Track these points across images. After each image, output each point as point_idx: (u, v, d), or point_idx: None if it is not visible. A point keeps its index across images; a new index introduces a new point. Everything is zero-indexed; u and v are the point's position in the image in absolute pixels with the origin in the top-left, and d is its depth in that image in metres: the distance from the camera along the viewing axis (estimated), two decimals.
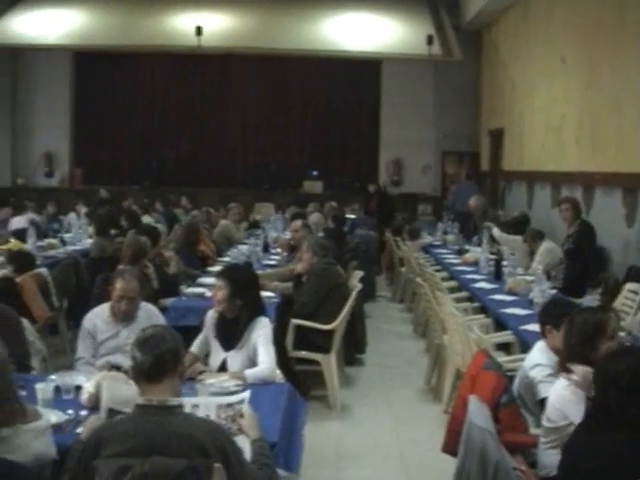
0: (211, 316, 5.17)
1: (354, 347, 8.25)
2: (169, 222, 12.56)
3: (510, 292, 7.58)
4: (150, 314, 5.37)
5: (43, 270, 7.80)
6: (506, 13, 15.53)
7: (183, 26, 16.79)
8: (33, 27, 17.37)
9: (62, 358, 7.44)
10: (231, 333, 4.98)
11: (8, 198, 15.02)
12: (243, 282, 5.04)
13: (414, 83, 18.56)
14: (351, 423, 6.69)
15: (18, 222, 11.25)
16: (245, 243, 10.44)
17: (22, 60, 19.34)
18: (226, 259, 9.34)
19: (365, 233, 12.77)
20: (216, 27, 16.72)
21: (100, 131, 19.58)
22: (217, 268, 8.67)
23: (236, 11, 17.39)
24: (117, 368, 4.80)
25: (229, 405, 3.66)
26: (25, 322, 5.33)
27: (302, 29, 17.04)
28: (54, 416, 3.70)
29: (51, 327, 7.98)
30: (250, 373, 4.68)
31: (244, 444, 3.45)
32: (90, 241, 10.70)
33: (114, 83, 19.49)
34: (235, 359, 4.93)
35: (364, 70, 19.09)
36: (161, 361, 3.26)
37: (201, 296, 7.18)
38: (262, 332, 4.94)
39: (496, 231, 10.14)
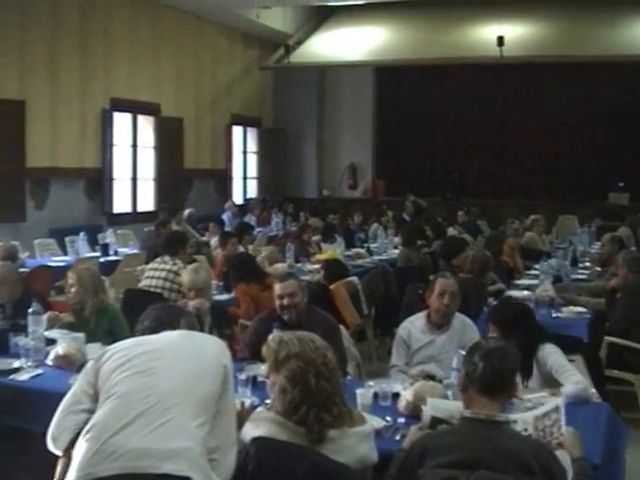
0: None
1: None
2: (472, 233, 12.52)
3: None
4: (464, 324, 5.37)
5: (354, 278, 8.00)
6: None
7: (484, 37, 16.70)
8: (338, 45, 18.10)
9: (368, 365, 7.60)
10: (524, 364, 4.80)
11: (316, 209, 15.68)
12: (511, 320, 4.81)
13: None
14: None
15: (329, 247, 11.55)
16: (552, 256, 10.16)
17: (328, 77, 20.18)
18: (534, 272, 9.12)
19: None
20: (517, 37, 16.46)
21: (401, 143, 19.97)
22: (524, 281, 8.53)
23: (538, 20, 17.06)
24: (431, 377, 4.80)
25: (545, 414, 3.52)
26: (341, 328, 5.50)
27: (604, 35, 16.38)
28: (374, 422, 3.76)
29: (359, 334, 8.17)
30: (566, 390, 4.51)
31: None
32: (396, 251, 10.91)
33: (414, 96, 19.80)
34: (534, 384, 4.77)
35: None
36: (501, 378, 3.23)
37: None
38: (551, 360, 4.63)
39: None
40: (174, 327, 3.63)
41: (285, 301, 5.17)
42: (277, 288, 5.25)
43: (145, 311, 3.91)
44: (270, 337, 3.40)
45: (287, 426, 3.13)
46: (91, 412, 3.15)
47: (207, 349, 3.31)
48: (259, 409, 3.44)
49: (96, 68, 13.84)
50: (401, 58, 17.47)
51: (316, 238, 11.14)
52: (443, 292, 5.31)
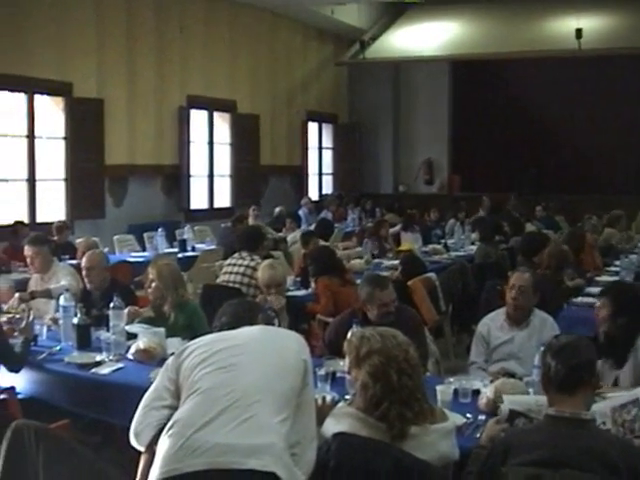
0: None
1: None
2: (550, 229, 12.32)
3: None
4: (544, 321, 5.29)
5: (432, 275, 7.96)
6: None
7: (562, 30, 16.43)
8: (413, 40, 18.02)
9: (446, 362, 7.53)
10: (620, 351, 4.70)
11: (393, 204, 15.66)
12: (627, 301, 4.71)
13: None
14: None
15: (409, 237, 11.56)
16: (634, 252, 9.92)
17: (404, 72, 20.09)
18: (614, 269, 8.93)
19: None
20: (596, 29, 16.16)
21: (477, 138, 19.77)
22: (604, 278, 8.35)
23: (616, 11, 16.70)
24: (511, 375, 4.72)
25: (623, 406, 3.45)
26: None
27: None
28: (454, 418, 3.72)
29: (436, 331, 8.10)
30: None
31: None
32: (473, 247, 10.82)
33: (490, 90, 19.57)
34: (625, 375, 4.67)
35: None
36: (576, 372, 3.15)
37: (591, 306, 6.91)
38: None
39: None
40: (252, 322, 3.65)
41: (391, 307, 5.04)
42: (381, 297, 5.01)
43: (222, 307, 3.92)
44: (351, 332, 3.39)
45: (368, 422, 3.12)
46: (172, 408, 3.17)
47: (287, 344, 3.31)
48: (340, 405, 3.42)
49: (173, 66, 14.00)
50: (477, 52, 17.29)
51: (395, 229, 11.11)
52: (513, 286, 5.29)
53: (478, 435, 3.67)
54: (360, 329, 3.46)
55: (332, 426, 3.20)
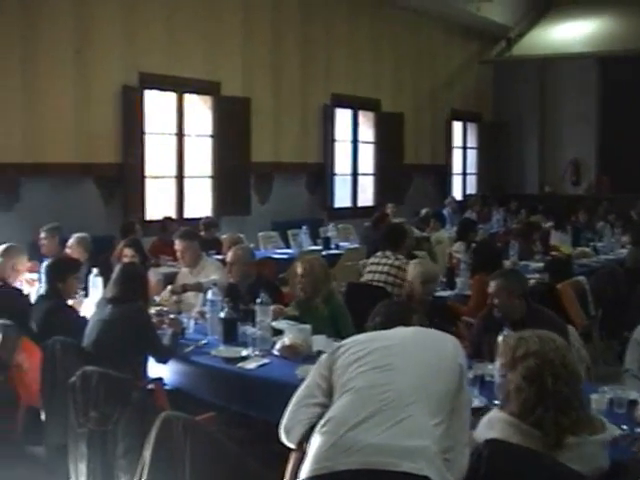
0: None
1: None
2: None
3: None
4: None
5: (581, 278, 7.77)
6: None
7: None
8: (560, 37, 17.60)
9: (594, 368, 7.27)
10: None
11: (536, 206, 15.32)
12: None
13: None
14: None
15: (559, 237, 11.30)
16: None
17: (550, 70, 19.63)
18: None
19: None
20: None
21: (628, 138, 19.07)
22: None
23: None
24: None
25: None
26: (570, 328, 5.29)
27: None
28: (612, 429, 3.55)
29: (585, 335, 7.85)
30: None
31: None
32: (623, 251, 10.46)
33: None
34: None
35: None
36: None
37: None
38: None
39: None
40: (406, 323, 3.61)
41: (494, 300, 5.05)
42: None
43: (376, 307, 3.93)
44: (506, 334, 3.29)
45: (521, 428, 3.00)
46: (324, 406, 3.13)
47: (442, 346, 3.23)
48: (493, 410, 3.31)
49: (317, 65, 14.12)
50: (627, 48, 16.71)
51: (548, 225, 10.86)
52: None
53: (635, 449, 3.49)
54: (515, 332, 3.34)
55: (485, 431, 3.10)
